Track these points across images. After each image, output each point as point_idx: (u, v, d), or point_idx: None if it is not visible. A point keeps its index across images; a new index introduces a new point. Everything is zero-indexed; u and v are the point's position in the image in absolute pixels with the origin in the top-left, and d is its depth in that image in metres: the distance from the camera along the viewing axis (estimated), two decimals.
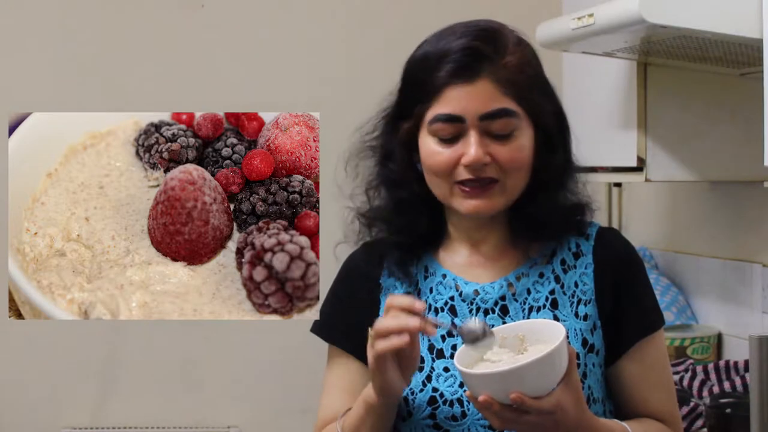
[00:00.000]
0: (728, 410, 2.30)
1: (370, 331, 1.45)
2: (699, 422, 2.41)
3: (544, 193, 1.58)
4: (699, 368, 2.59)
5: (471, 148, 1.52)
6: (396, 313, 1.44)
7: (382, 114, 1.64)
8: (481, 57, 1.53)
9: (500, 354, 1.43)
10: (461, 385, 1.55)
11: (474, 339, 1.45)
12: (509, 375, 1.36)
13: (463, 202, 1.55)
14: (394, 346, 1.42)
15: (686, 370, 2.61)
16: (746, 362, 2.53)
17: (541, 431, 1.42)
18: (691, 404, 2.42)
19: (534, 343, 1.44)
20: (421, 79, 1.56)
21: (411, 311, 1.43)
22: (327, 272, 1.74)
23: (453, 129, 1.53)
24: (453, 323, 1.54)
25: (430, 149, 1.56)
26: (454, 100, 1.53)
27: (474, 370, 1.40)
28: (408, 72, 1.59)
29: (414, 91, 1.57)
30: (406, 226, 1.62)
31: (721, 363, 2.59)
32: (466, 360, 1.42)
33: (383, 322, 1.44)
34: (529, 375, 1.37)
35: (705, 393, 2.52)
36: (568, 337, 1.49)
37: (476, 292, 1.59)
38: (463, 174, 1.53)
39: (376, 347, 1.43)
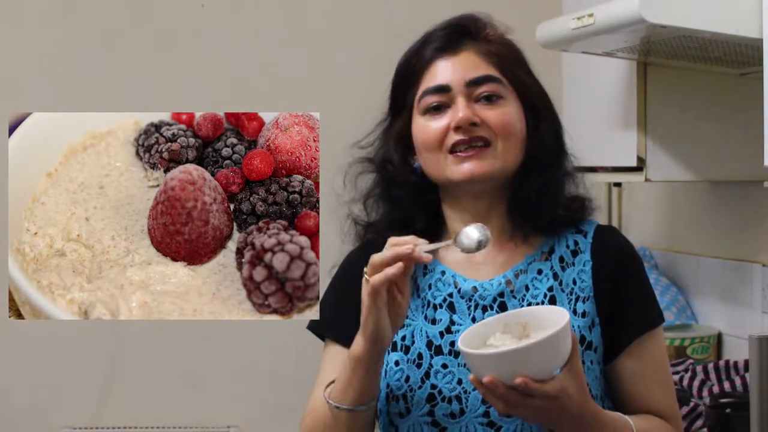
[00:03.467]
0: (728, 410, 2.30)
1: (366, 269, 1.46)
2: (699, 422, 2.41)
3: (537, 173, 1.60)
4: (699, 368, 2.59)
5: (459, 111, 1.56)
6: (392, 248, 1.45)
7: (379, 127, 1.67)
8: (463, 31, 1.61)
9: (503, 339, 1.44)
10: (459, 382, 1.56)
11: (475, 247, 1.48)
12: (514, 355, 1.37)
13: (457, 168, 1.57)
14: (389, 276, 1.43)
15: (686, 370, 2.61)
16: (746, 362, 2.53)
17: (544, 416, 1.43)
18: (691, 404, 2.42)
19: (536, 330, 1.44)
20: (409, 67, 1.62)
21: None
22: (326, 272, 1.74)
23: (441, 98, 1.58)
24: (455, 239, 1.53)
25: (421, 126, 1.60)
26: (439, 73, 1.59)
27: (478, 350, 1.41)
28: (396, 71, 1.65)
29: (403, 81, 1.62)
30: (403, 223, 1.63)
31: (721, 363, 2.59)
32: (468, 346, 1.43)
33: (378, 255, 1.45)
34: (534, 356, 1.37)
35: (705, 393, 2.52)
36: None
37: (474, 289, 1.60)
38: (453, 138, 1.57)
39: (372, 280, 1.44)
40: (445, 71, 1.58)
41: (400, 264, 1.44)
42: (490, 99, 1.57)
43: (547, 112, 1.63)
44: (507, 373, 1.37)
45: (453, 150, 1.57)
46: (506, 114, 1.57)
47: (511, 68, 1.60)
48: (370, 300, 1.45)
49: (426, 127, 1.58)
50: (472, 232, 1.50)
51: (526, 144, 1.60)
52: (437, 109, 1.58)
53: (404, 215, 1.63)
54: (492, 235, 1.61)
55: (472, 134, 1.56)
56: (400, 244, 1.45)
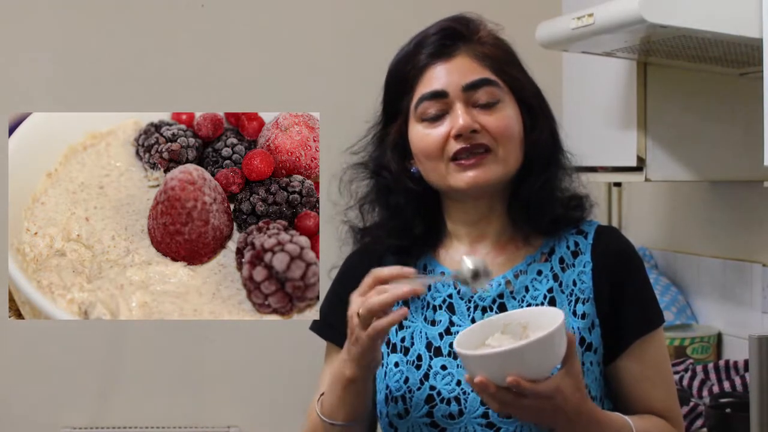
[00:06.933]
0: (728, 410, 2.30)
1: (358, 311, 1.43)
2: (699, 422, 2.41)
3: (536, 173, 1.60)
4: (699, 368, 2.59)
5: (458, 118, 1.55)
6: (381, 288, 1.43)
7: (372, 131, 1.66)
8: (456, 35, 1.59)
9: (502, 340, 1.44)
10: (458, 383, 1.56)
11: (473, 276, 1.47)
12: (506, 356, 1.37)
13: (460, 176, 1.56)
14: (395, 321, 1.43)
15: (686, 370, 2.61)
16: (746, 362, 2.53)
17: (540, 416, 1.43)
18: (691, 404, 2.42)
19: (536, 331, 1.44)
20: (403, 73, 1.60)
21: (400, 278, 1.43)
22: (326, 272, 1.74)
23: (438, 105, 1.57)
24: (443, 273, 1.55)
25: (420, 134, 1.58)
26: (435, 79, 1.57)
27: (472, 351, 1.41)
28: (389, 75, 1.64)
29: (397, 87, 1.61)
30: (402, 230, 1.62)
31: (721, 363, 2.59)
32: (467, 345, 1.43)
33: (375, 299, 1.42)
34: (526, 357, 1.37)
35: (705, 393, 2.52)
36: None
37: (474, 290, 1.59)
38: (454, 147, 1.56)
39: (375, 325, 1.42)
40: (440, 77, 1.57)
41: (405, 310, 1.43)
42: (487, 104, 1.56)
43: (543, 110, 1.63)
44: (500, 373, 1.37)
45: (454, 158, 1.56)
46: (505, 118, 1.57)
47: (506, 69, 1.59)
48: (371, 341, 1.44)
49: (425, 136, 1.57)
50: (468, 262, 1.48)
51: (525, 144, 1.60)
52: (435, 117, 1.57)
53: (403, 222, 1.63)
54: (492, 236, 1.62)
55: (473, 141, 1.55)
56: (387, 279, 1.42)
